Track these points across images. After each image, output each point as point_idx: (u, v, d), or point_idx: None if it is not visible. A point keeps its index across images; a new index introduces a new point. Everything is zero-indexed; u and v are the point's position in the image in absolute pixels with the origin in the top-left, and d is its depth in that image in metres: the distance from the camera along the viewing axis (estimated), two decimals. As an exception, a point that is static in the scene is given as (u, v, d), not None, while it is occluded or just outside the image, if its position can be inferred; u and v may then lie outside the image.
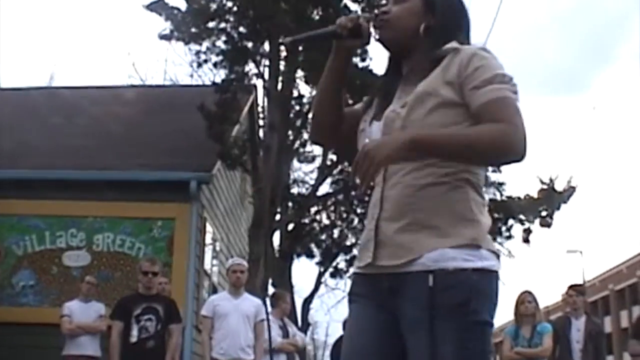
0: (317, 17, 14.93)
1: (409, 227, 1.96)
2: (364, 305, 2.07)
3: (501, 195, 18.19)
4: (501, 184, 18.25)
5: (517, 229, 17.69)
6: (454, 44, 2.05)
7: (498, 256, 1.99)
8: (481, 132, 1.89)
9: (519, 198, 17.66)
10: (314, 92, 18.59)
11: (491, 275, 1.93)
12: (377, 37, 2.16)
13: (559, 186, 17.37)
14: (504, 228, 17.60)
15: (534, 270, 57.42)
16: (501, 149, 1.88)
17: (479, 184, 2.03)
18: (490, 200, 17.27)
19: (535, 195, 17.44)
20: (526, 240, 17.61)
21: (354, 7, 15.56)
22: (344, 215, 21.77)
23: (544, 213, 17.24)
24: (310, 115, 20.00)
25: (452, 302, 1.86)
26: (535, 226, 17.46)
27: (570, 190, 17.33)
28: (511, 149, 1.87)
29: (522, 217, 17.48)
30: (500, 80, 1.96)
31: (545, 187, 17.34)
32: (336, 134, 2.26)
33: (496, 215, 16.73)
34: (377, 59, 17.66)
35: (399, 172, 2.02)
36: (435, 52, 2.05)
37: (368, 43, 2.15)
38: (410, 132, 1.94)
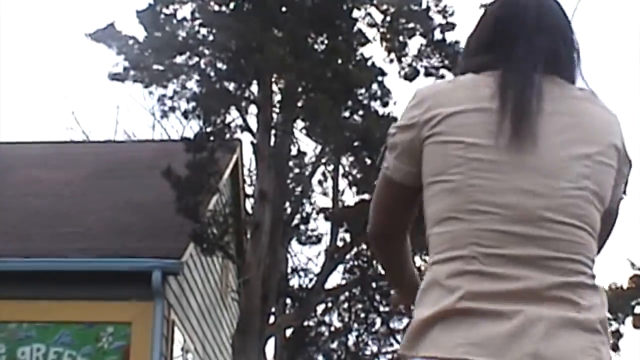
0: (321, 47, 15.07)
1: None
2: None
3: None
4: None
5: (602, 332, 17.60)
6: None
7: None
8: None
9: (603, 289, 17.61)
10: (318, 149, 18.72)
11: None
12: None
13: (658, 272, 17.35)
14: (583, 330, 17.50)
15: (627, 388, 56.68)
16: None
17: (438, 258, 2.06)
18: None
19: (626, 285, 17.40)
20: (615, 348, 17.46)
21: (371, 33, 15.73)
22: (362, 314, 21.65)
23: (638, 309, 17.17)
24: (314, 179, 20.10)
25: None
26: (627, 327, 17.38)
27: (675, 278, 17.30)
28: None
29: (608, 315, 17.39)
30: None
31: (639, 273, 17.32)
32: None
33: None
34: (402, 103, 17.78)
35: None
36: None
37: None
38: None
